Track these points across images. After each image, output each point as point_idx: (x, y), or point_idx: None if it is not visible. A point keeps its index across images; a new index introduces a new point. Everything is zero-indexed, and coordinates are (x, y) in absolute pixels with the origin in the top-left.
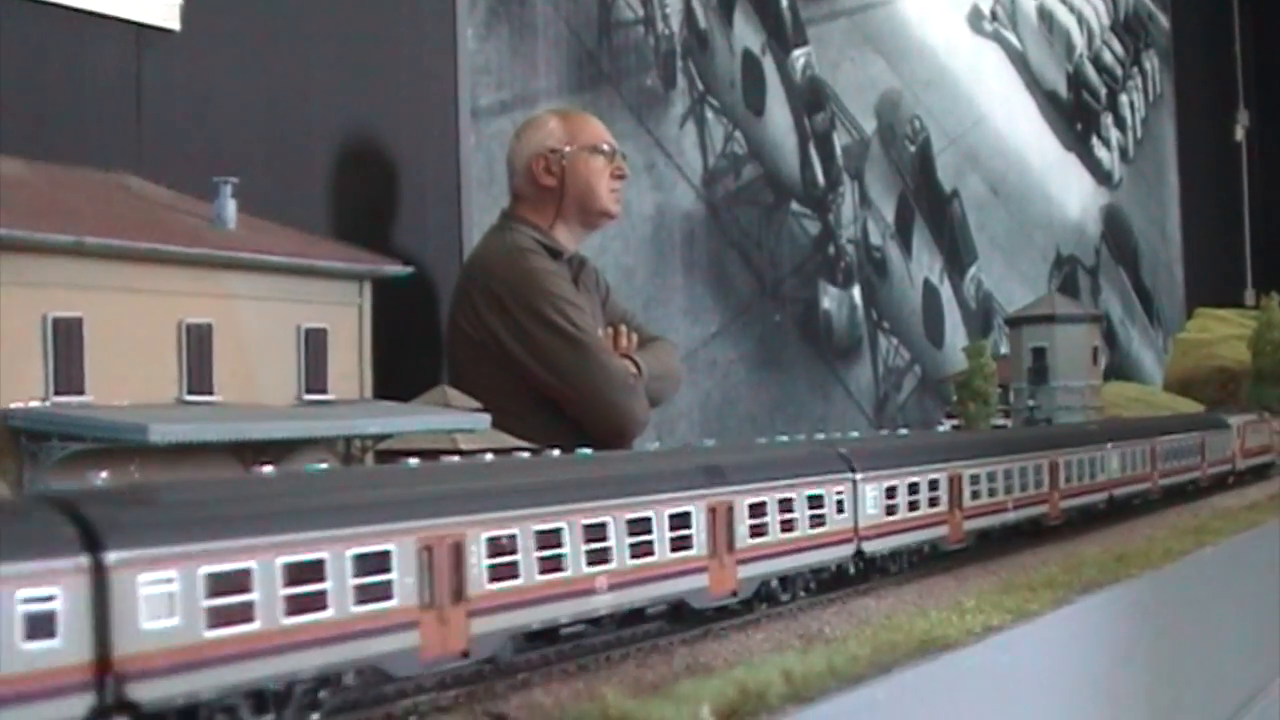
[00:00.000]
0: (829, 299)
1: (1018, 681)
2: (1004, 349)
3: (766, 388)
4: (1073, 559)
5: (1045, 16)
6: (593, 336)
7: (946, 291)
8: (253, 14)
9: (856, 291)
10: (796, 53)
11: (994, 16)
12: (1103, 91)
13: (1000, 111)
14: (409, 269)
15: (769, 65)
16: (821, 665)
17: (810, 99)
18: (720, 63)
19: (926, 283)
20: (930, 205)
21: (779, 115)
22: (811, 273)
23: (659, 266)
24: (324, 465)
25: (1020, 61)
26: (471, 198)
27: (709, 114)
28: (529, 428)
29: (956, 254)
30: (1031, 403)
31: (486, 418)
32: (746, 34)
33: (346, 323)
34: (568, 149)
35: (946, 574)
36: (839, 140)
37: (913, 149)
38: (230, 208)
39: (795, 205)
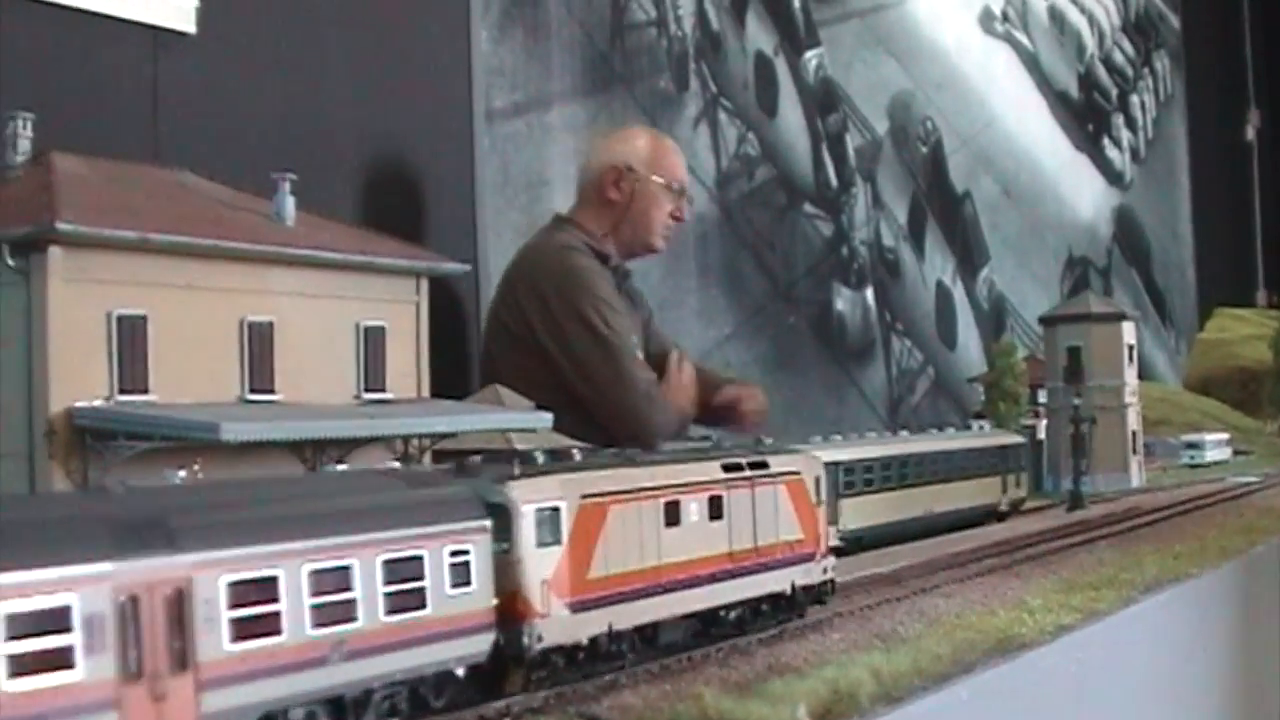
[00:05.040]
0: (842, 300)
1: (1092, 679)
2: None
3: (780, 390)
4: (1129, 558)
5: (1056, 17)
6: (623, 340)
7: (959, 292)
8: (268, 17)
9: (869, 293)
10: (809, 54)
11: (1005, 18)
12: (1114, 92)
13: (1012, 112)
14: (465, 266)
15: (781, 67)
16: (907, 664)
17: (823, 100)
18: (733, 64)
19: (939, 284)
20: (942, 206)
21: (791, 117)
22: (825, 274)
23: (673, 268)
24: None
25: (1032, 62)
26: (485, 199)
27: (722, 116)
28: (558, 425)
29: (969, 255)
30: (1077, 401)
31: (547, 416)
32: (759, 35)
33: (404, 320)
34: (643, 173)
35: (1009, 572)
36: (851, 142)
37: (925, 150)
38: (289, 204)
39: (808, 207)
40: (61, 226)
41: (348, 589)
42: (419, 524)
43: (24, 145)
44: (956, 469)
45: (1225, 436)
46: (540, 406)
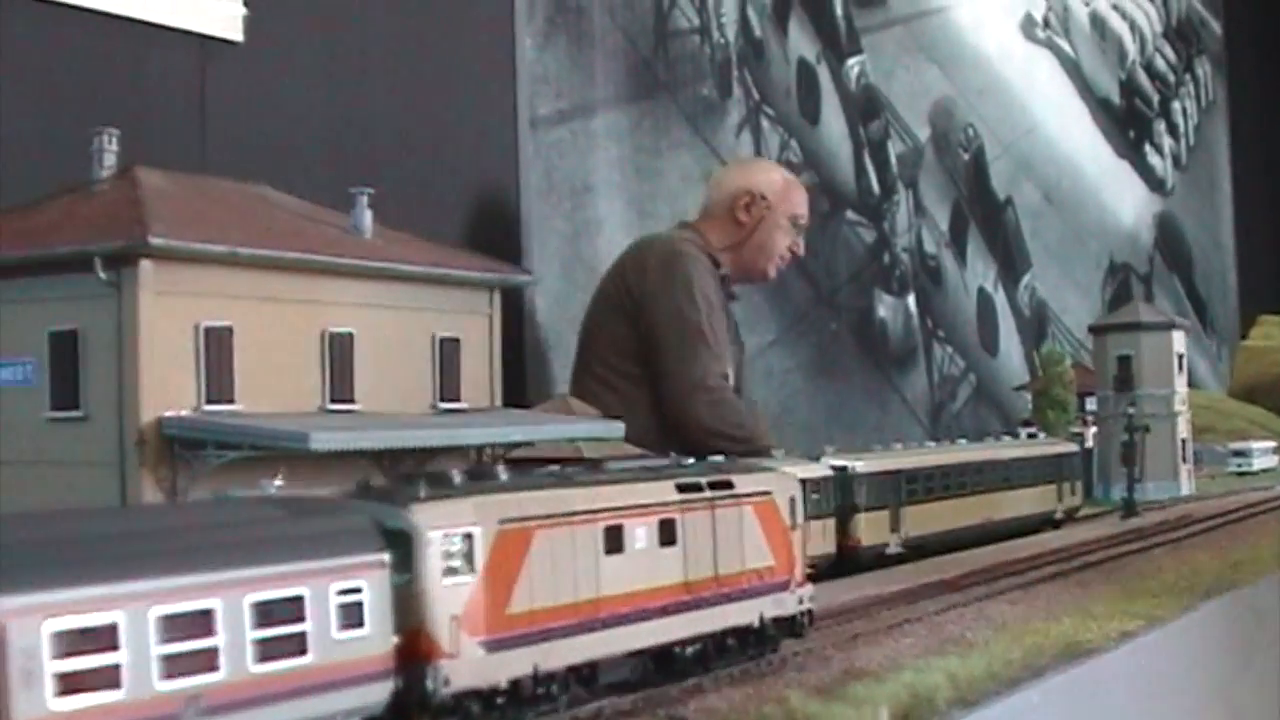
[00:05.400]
0: (884, 307)
1: (1156, 684)
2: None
3: (823, 396)
4: (1186, 566)
5: (1098, 24)
6: (709, 328)
7: (1000, 299)
8: (314, 25)
9: (911, 300)
10: (851, 61)
11: (1047, 24)
12: (1155, 98)
13: (1053, 119)
14: (533, 278)
15: (824, 74)
16: (981, 669)
17: (865, 107)
18: (776, 71)
19: (981, 291)
20: (984, 213)
21: (834, 123)
22: (867, 281)
23: None
24: None
25: (1073, 69)
26: (530, 206)
27: (764, 122)
28: (634, 401)
29: (1010, 262)
30: (1131, 409)
31: (620, 425)
32: (801, 42)
33: (478, 332)
34: (774, 203)
35: (1069, 579)
36: (893, 148)
37: (966, 157)
38: (367, 218)
39: (850, 214)
40: (154, 241)
41: (208, 635)
42: (299, 558)
43: (109, 160)
44: (1014, 477)
45: (1272, 444)
46: (626, 374)
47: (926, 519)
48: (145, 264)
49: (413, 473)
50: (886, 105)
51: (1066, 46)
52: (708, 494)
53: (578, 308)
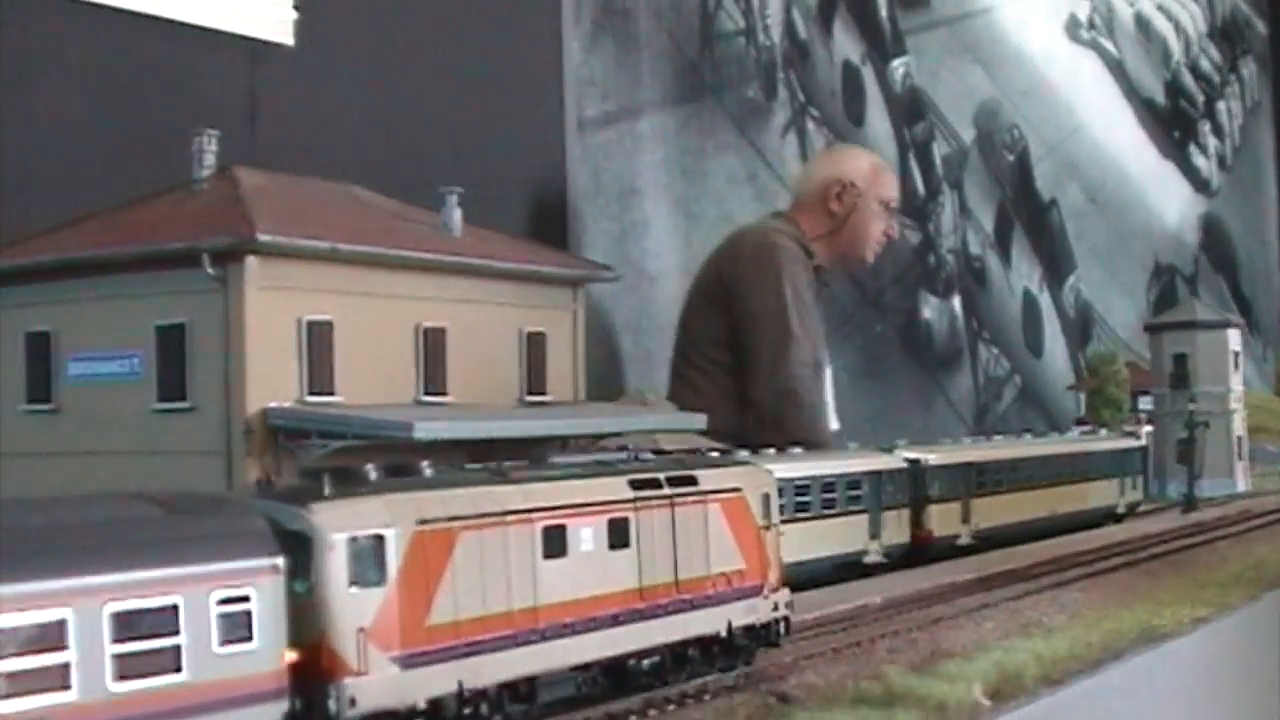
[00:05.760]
0: (929, 309)
1: (1229, 664)
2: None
3: (868, 397)
4: (1250, 558)
5: (1142, 24)
6: (798, 324)
7: (1045, 301)
8: (364, 29)
9: (957, 301)
10: (895, 62)
11: (1091, 25)
12: (1200, 99)
13: (1098, 120)
14: (617, 275)
15: (868, 75)
16: (1064, 650)
17: (910, 109)
18: (821, 73)
19: (1026, 292)
20: (1029, 214)
21: (879, 125)
22: (912, 283)
23: None
24: None
25: (1118, 69)
26: (578, 207)
27: (810, 124)
28: (728, 390)
29: (1055, 263)
30: (1192, 406)
31: (701, 417)
32: (846, 44)
33: (563, 326)
34: (864, 190)
35: (1137, 569)
36: (938, 150)
37: (1011, 158)
38: (456, 216)
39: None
40: (261, 238)
41: (58, 649)
42: (173, 562)
43: (209, 160)
44: (1079, 472)
45: None
46: (718, 362)
47: (995, 511)
48: (251, 260)
49: (320, 468)
50: (931, 107)
51: (1111, 47)
52: (666, 491)
53: (627, 310)
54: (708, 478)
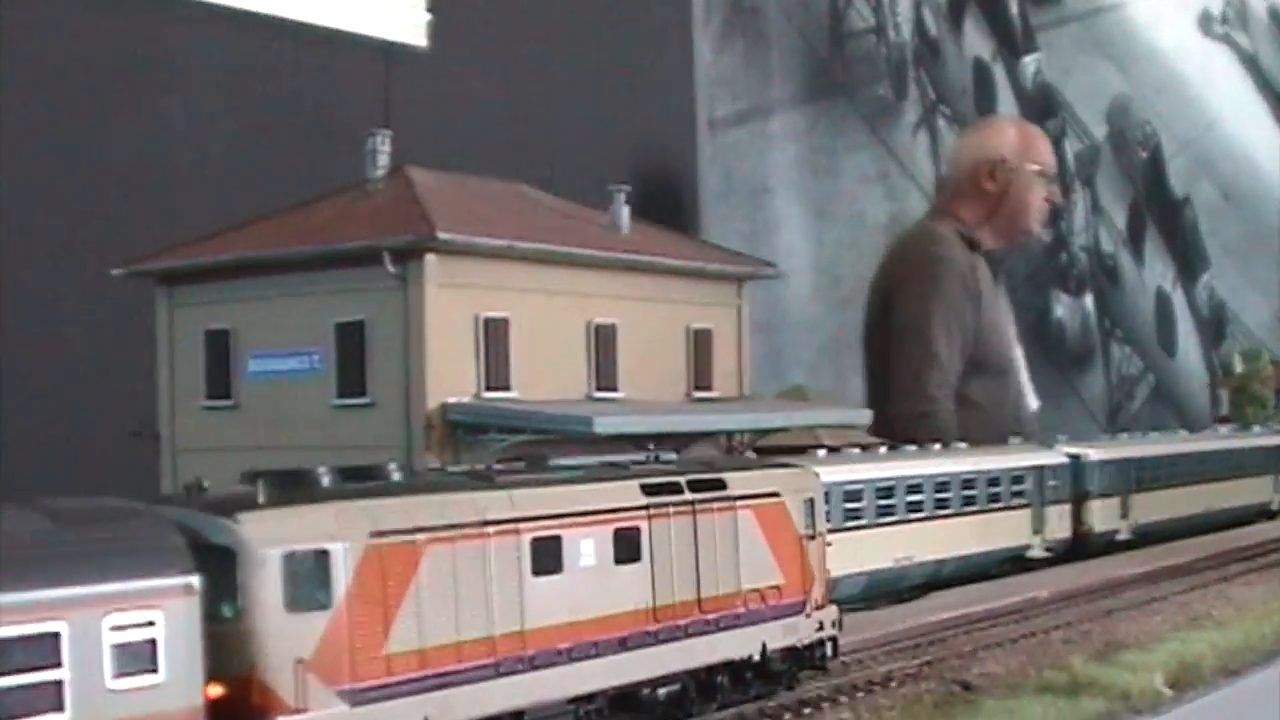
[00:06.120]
0: (1061, 307)
1: None
2: (1237, 359)
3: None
4: None
5: (1276, 18)
6: (944, 343)
7: (1179, 299)
8: (497, 31)
9: (1089, 300)
10: (1027, 59)
11: (1224, 19)
12: None
13: (1231, 115)
14: (780, 272)
15: (999, 72)
16: (1239, 641)
17: (1041, 105)
18: (951, 70)
19: (1159, 290)
20: (1162, 212)
21: None
22: (1043, 281)
23: None
24: None
25: (1251, 64)
26: (709, 206)
27: (941, 122)
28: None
29: (1189, 261)
30: None
31: (867, 413)
32: (976, 41)
33: (728, 323)
34: (1016, 163)
35: None
36: (1070, 147)
37: (1144, 155)
38: (624, 214)
39: None
40: (441, 236)
41: None
42: (54, 582)
43: (383, 160)
44: (1235, 467)
45: None
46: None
47: (1154, 506)
48: (430, 258)
49: (258, 471)
50: (1063, 104)
51: (1244, 41)
52: (687, 496)
53: (759, 309)
54: (739, 481)
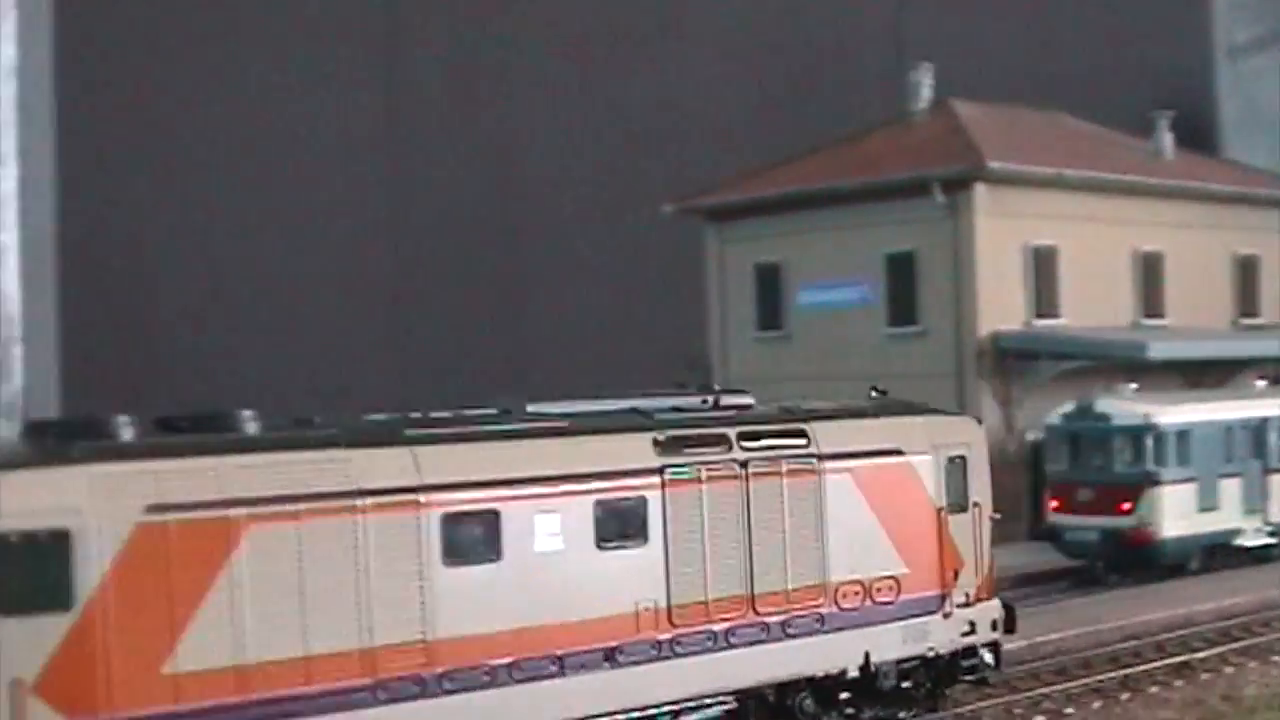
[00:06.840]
0: None
1: None
2: None
3: None
4: None
5: None
6: None
7: None
8: None
9: None
10: None
11: None
12: None
13: None
14: None
15: None
16: None
17: None
18: None
19: None
20: None
21: None
22: None
23: None
24: None
25: None
26: (1229, 139)
27: None
28: None
29: None
30: None
31: None
32: None
33: (1273, 249)
34: None
35: None
36: None
37: None
38: (1168, 140)
39: None
40: (991, 165)
41: None
42: None
43: (925, 93)
44: None
45: None
46: None
47: None
48: (980, 187)
49: (42, 421)
50: None
51: None
52: (736, 454)
53: None
54: (830, 433)
